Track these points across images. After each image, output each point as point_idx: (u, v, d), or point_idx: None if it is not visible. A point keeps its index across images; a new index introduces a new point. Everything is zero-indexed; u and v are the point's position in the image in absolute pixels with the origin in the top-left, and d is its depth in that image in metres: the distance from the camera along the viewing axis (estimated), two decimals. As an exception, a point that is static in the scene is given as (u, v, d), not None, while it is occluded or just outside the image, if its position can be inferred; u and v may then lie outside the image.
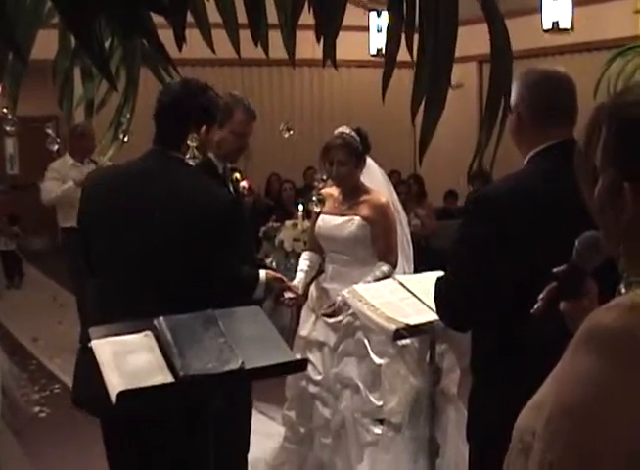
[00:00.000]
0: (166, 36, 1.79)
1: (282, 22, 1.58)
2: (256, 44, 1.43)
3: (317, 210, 4.05)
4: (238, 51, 1.62)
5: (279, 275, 3.44)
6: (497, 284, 2.29)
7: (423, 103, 1.54)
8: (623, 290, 1.24)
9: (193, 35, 1.65)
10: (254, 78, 10.20)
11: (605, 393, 1.07)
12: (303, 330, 4.15)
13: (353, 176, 4.03)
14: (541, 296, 1.58)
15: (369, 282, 3.73)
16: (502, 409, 1.53)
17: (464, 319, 2.48)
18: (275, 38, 1.72)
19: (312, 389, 4.08)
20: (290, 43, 1.63)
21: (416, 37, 1.49)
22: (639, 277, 1.22)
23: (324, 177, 3.98)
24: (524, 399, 1.24)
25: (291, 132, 3.37)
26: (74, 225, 7.31)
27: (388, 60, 1.48)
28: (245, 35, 1.57)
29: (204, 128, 2.77)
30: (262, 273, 3.32)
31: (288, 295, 3.50)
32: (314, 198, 3.94)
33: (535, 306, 1.59)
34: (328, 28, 1.37)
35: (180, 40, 1.24)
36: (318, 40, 1.27)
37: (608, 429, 1.06)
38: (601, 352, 1.09)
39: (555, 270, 1.58)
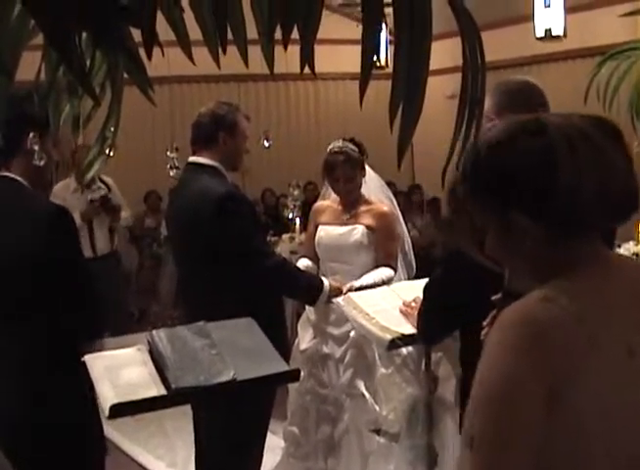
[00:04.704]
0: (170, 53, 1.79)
1: (260, 30, 1.58)
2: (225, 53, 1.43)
3: (291, 216, 4.08)
4: (218, 64, 1.63)
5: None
6: None
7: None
8: None
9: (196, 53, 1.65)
10: (250, 93, 10.21)
11: (509, 375, 1.25)
12: (302, 344, 4.12)
13: (360, 188, 4.07)
14: (485, 323, 1.75)
15: (370, 284, 3.70)
16: None
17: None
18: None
19: (317, 404, 4.05)
20: (268, 51, 1.63)
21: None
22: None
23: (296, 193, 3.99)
24: None
25: (270, 141, 3.39)
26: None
27: (363, 67, 1.48)
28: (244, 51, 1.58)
29: (32, 136, 2.54)
30: (326, 281, 3.70)
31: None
32: (291, 204, 3.96)
33: (482, 333, 1.75)
34: (306, 30, 1.36)
35: (150, 51, 1.25)
36: (285, 48, 1.27)
37: (516, 405, 1.23)
38: (505, 340, 1.27)
39: (493, 298, 1.72)
